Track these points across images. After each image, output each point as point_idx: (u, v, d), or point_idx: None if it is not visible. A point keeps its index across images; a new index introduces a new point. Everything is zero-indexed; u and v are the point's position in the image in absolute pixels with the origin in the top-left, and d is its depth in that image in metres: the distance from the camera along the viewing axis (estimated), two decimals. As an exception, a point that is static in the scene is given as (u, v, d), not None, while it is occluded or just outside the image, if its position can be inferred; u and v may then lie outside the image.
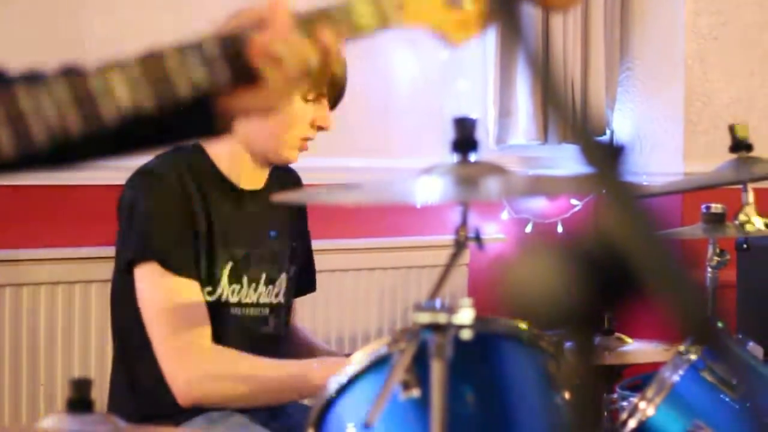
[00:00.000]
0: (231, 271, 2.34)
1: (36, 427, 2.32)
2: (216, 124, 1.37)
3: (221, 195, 2.35)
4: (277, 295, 2.44)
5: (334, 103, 2.41)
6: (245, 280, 2.36)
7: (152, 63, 1.29)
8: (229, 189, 2.37)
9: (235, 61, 1.32)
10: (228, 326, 2.33)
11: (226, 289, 2.33)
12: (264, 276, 2.40)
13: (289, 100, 1.33)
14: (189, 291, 2.26)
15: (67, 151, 1.31)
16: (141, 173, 2.31)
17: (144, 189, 2.28)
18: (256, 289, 2.39)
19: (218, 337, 2.29)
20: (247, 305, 2.37)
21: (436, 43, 1.37)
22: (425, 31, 1.37)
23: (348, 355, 2.20)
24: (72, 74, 1.27)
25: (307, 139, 2.38)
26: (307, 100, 2.35)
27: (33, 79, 1.27)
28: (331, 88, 2.38)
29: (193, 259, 2.27)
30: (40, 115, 1.24)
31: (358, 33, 1.35)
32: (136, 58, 1.29)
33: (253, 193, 2.40)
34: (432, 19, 1.36)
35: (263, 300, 2.41)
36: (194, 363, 2.24)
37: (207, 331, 2.26)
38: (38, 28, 3.20)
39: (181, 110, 1.32)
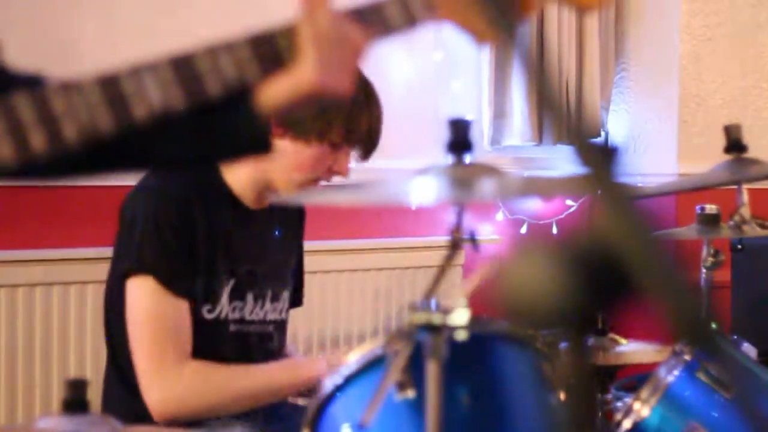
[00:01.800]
0: (233, 288, 2.33)
1: (32, 427, 2.32)
2: (258, 141, 1.35)
3: (227, 212, 2.34)
4: (281, 312, 2.44)
5: (366, 154, 2.35)
6: (250, 297, 2.36)
7: (183, 64, 1.27)
8: (237, 206, 2.36)
9: (267, 60, 1.30)
10: (227, 344, 2.33)
11: (225, 307, 2.33)
12: (270, 293, 2.40)
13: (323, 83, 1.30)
14: (177, 310, 2.26)
15: (100, 156, 1.29)
16: (144, 188, 2.30)
17: (146, 204, 2.26)
18: (262, 306, 2.38)
19: (217, 355, 2.30)
20: (250, 322, 2.37)
21: (462, 39, 1.35)
22: (453, 27, 1.35)
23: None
24: (104, 78, 1.25)
25: (318, 181, 2.36)
26: (332, 145, 2.32)
27: (66, 84, 1.26)
28: (365, 138, 2.32)
29: (188, 280, 2.27)
30: (72, 117, 1.22)
31: (388, 34, 1.33)
32: (166, 60, 1.27)
33: (260, 211, 2.39)
34: (462, 17, 1.34)
35: (270, 317, 2.40)
36: (170, 382, 2.24)
37: (188, 351, 2.27)
38: (33, 30, 3.19)
39: (225, 129, 1.30)
